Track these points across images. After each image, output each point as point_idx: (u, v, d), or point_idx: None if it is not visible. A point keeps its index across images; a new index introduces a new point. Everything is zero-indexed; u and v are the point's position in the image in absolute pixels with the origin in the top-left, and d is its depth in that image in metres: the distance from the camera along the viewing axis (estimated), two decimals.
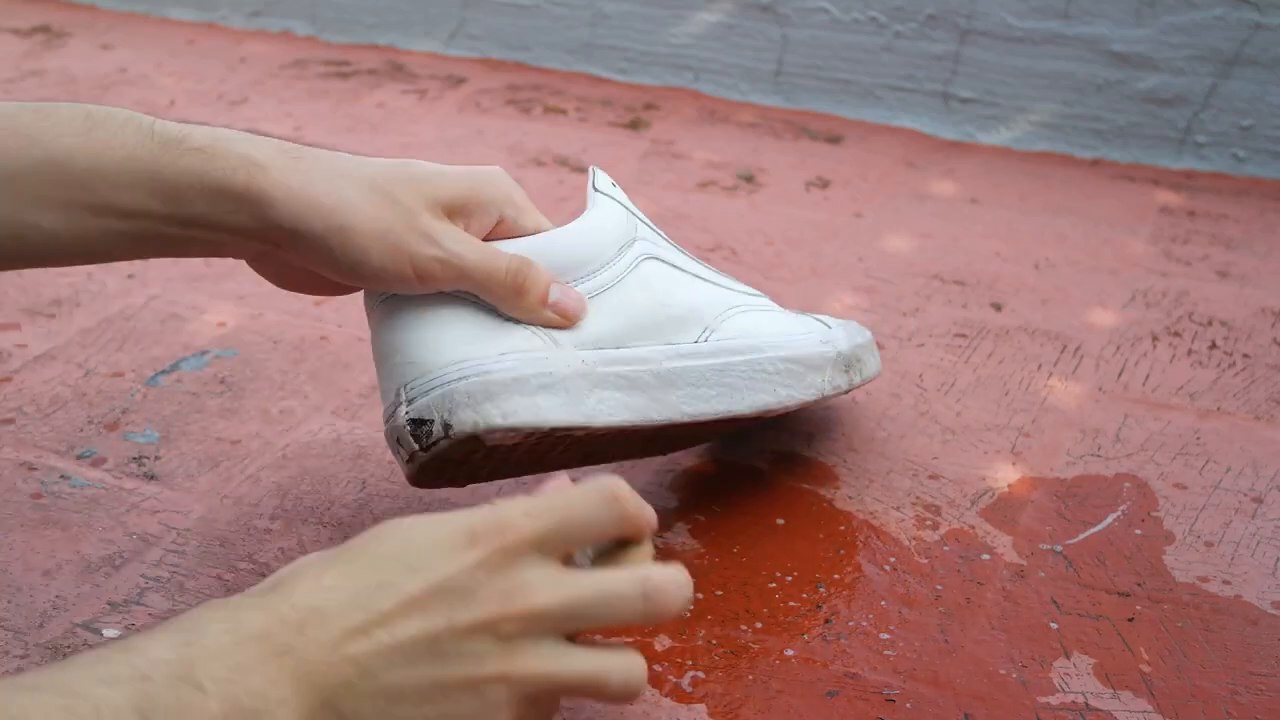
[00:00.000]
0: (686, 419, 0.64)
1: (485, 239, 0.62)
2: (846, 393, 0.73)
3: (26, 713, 0.40)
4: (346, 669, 0.45)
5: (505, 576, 0.47)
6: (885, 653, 0.63)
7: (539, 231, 0.63)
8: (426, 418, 0.59)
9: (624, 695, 0.48)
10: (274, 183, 0.57)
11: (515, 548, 0.48)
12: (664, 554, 0.69)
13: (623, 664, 0.48)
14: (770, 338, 0.68)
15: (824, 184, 1.12)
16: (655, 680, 0.61)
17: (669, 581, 0.49)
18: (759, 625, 0.64)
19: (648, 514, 0.51)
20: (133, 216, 0.57)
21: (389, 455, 0.76)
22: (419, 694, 0.46)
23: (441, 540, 0.47)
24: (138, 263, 0.97)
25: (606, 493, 0.50)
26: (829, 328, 0.72)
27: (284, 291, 0.65)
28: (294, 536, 0.70)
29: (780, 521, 0.72)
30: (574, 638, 0.49)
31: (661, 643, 0.63)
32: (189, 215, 0.57)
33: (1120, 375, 0.86)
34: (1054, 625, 0.65)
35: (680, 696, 0.60)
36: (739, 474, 0.75)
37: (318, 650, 0.44)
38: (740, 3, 1.26)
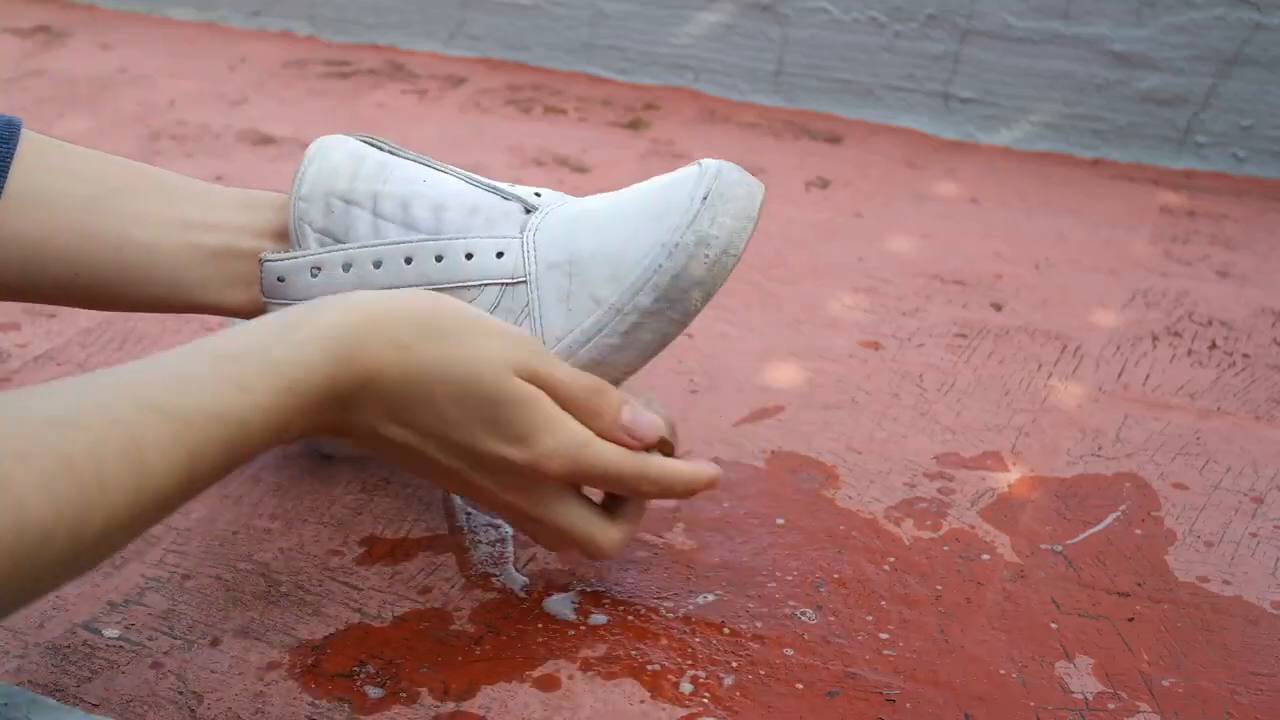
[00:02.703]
0: None
1: None
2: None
3: (148, 433, 0.47)
4: (378, 435, 0.57)
5: (523, 485, 0.59)
6: (885, 653, 0.63)
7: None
8: None
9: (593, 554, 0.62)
10: None
11: (542, 477, 0.58)
12: (664, 553, 0.69)
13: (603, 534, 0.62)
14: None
15: (824, 184, 1.12)
16: (655, 680, 0.61)
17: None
18: (759, 625, 0.64)
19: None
20: (218, 229, 0.66)
21: None
22: (429, 468, 0.59)
23: (509, 426, 0.57)
24: None
25: (657, 479, 0.61)
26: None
27: None
28: (294, 536, 0.70)
29: (780, 521, 0.72)
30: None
31: (661, 642, 0.63)
32: (264, 224, 0.67)
33: (1120, 375, 0.86)
34: (1054, 625, 0.65)
35: (680, 697, 0.60)
36: (739, 474, 0.75)
37: (368, 421, 0.56)
38: (740, 3, 1.26)
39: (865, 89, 1.25)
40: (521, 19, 1.36)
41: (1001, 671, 0.62)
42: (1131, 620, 0.65)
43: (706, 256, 0.61)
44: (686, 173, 0.65)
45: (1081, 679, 0.61)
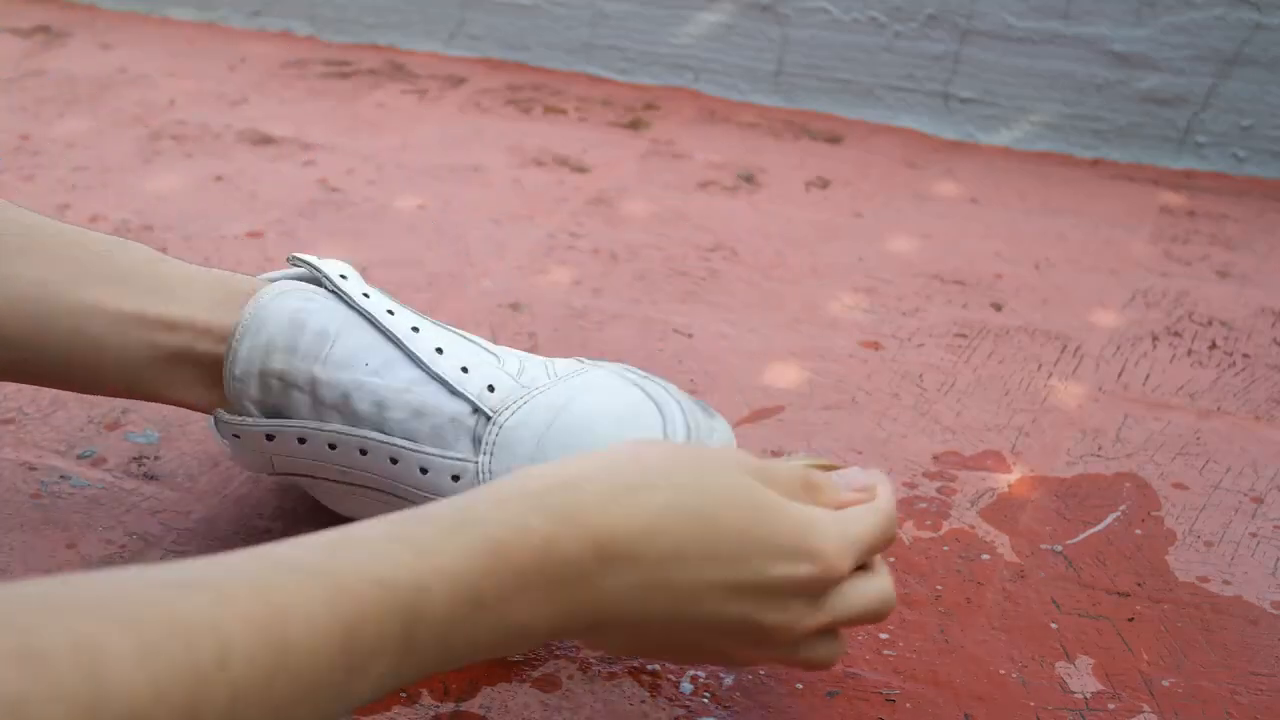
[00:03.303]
0: None
1: None
2: None
3: (290, 597, 0.37)
4: (630, 612, 0.46)
5: (817, 600, 0.50)
6: (885, 653, 0.63)
7: None
8: None
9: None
10: None
11: (836, 579, 0.50)
12: None
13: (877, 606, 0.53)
14: None
15: (824, 184, 1.12)
16: (655, 681, 0.61)
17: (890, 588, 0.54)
18: None
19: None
20: (177, 328, 0.62)
21: None
22: (675, 643, 0.50)
23: (785, 547, 0.48)
24: None
25: (893, 517, 0.53)
26: None
27: None
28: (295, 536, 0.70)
29: None
30: None
31: None
32: (227, 326, 0.62)
33: (1120, 375, 0.86)
34: (1054, 625, 0.65)
35: (680, 697, 0.60)
36: None
37: (614, 589, 0.45)
38: (740, 3, 1.26)
39: (865, 89, 1.25)
40: (521, 19, 1.36)
41: (1001, 671, 0.62)
42: (1131, 620, 0.65)
43: None
44: (653, 428, 0.60)
45: (1081, 679, 0.61)
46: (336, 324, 0.63)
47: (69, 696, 0.32)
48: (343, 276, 0.65)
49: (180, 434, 0.78)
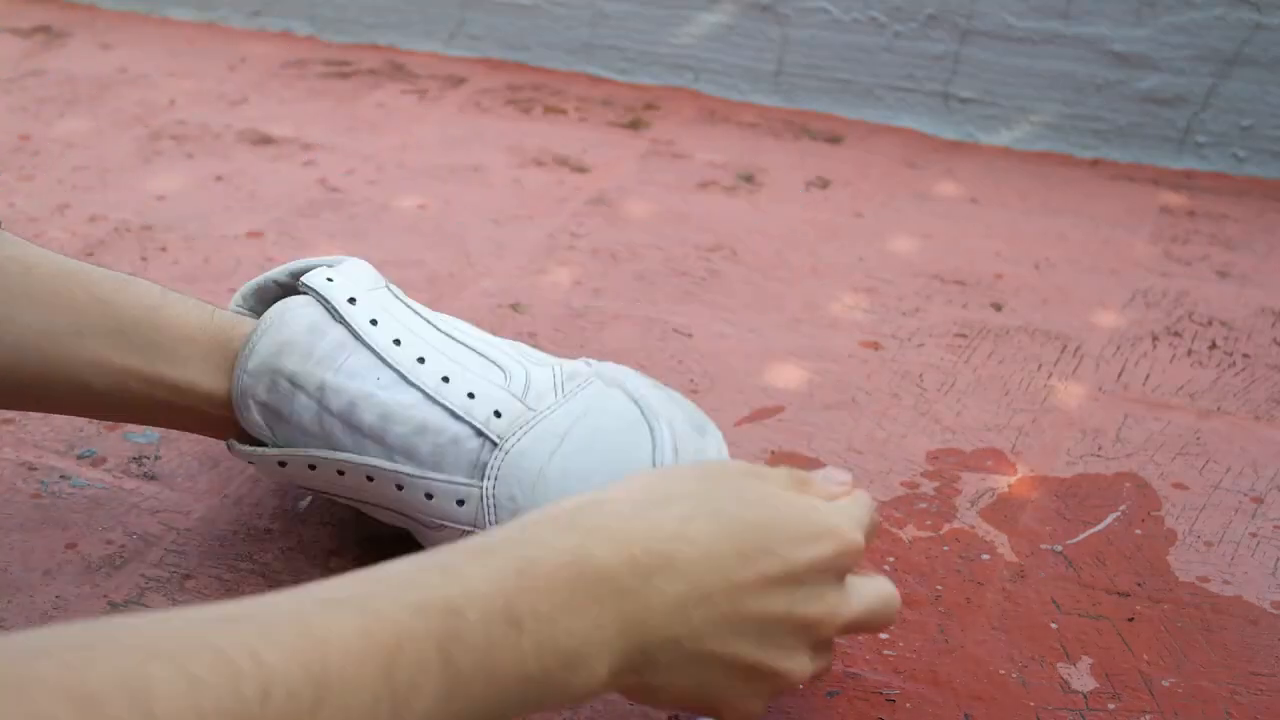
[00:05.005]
0: None
1: None
2: None
3: (326, 631, 0.37)
4: (680, 627, 0.46)
5: (838, 587, 0.51)
6: (885, 653, 0.63)
7: None
8: None
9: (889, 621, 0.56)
10: None
11: (852, 561, 0.52)
12: None
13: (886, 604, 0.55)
14: None
15: (824, 184, 1.12)
16: None
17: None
18: None
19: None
20: (180, 391, 0.63)
21: None
22: (728, 665, 0.48)
23: (804, 530, 0.50)
24: (136, 260, 0.97)
25: (873, 508, 0.56)
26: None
27: None
28: (294, 536, 0.70)
29: None
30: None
31: None
32: (230, 389, 0.63)
33: (1120, 375, 0.86)
34: (1054, 625, 0.65)
35: None
36: None
37: (660, 601, 0.45)
38: (740, 3, 1.26)
39: (865, 89, 1.25)
40: (521, 19, 1.36)
41: (1001, 671, 0.62)
42: (1131, 620, 0.65)
43: None
44: (644, 450, 0.62)
45: (1081, 679, 0.61)
46: (352, 344, 0.63)
47: None
48: (351, 301, 0.64)
49: (180, 434, 0.78)
